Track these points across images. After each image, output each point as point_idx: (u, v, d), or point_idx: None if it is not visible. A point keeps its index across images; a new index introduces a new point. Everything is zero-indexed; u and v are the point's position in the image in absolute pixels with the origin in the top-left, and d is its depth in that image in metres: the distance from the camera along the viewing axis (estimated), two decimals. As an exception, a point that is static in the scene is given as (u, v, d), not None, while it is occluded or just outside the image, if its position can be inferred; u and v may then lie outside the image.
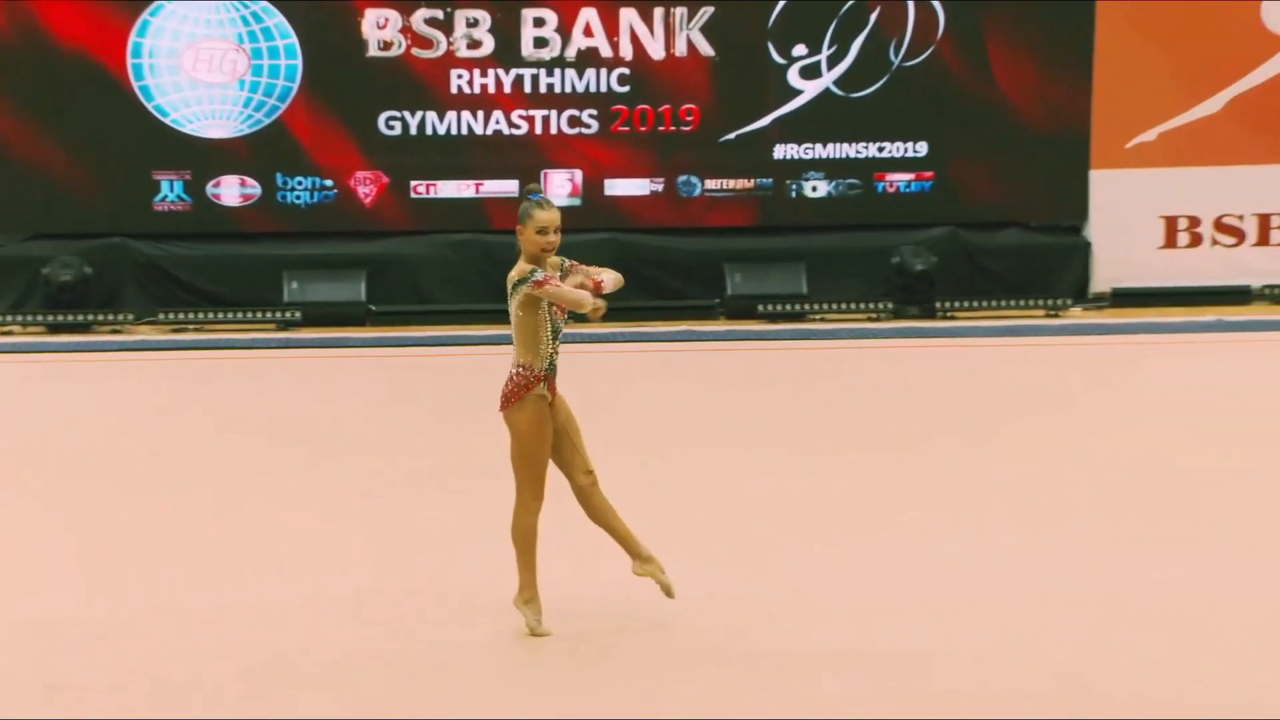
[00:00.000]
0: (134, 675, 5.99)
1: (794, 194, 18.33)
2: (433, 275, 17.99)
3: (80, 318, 17.21)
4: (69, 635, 6.53)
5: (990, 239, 18.37)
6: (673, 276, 18.13)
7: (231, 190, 17.90)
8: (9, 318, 17.24)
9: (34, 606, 6.95)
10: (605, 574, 7.04)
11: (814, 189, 18.32)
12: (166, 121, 17.72)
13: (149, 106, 17.69)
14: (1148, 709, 5.59)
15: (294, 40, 17.66)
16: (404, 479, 9.59)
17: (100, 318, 17.31)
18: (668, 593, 6.46)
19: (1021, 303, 17.79)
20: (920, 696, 5.73)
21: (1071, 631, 6.51)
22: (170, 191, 17.82)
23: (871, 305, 17.75)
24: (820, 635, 6.47)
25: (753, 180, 18.27)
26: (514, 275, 6.42)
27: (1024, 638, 6.40)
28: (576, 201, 18.08)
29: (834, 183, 18.32)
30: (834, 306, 17.71)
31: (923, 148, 18.31)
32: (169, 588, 7.26)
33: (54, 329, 17.18)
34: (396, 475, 9.70)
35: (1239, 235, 18.31)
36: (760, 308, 17.65)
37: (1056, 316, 17.67)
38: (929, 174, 18.34)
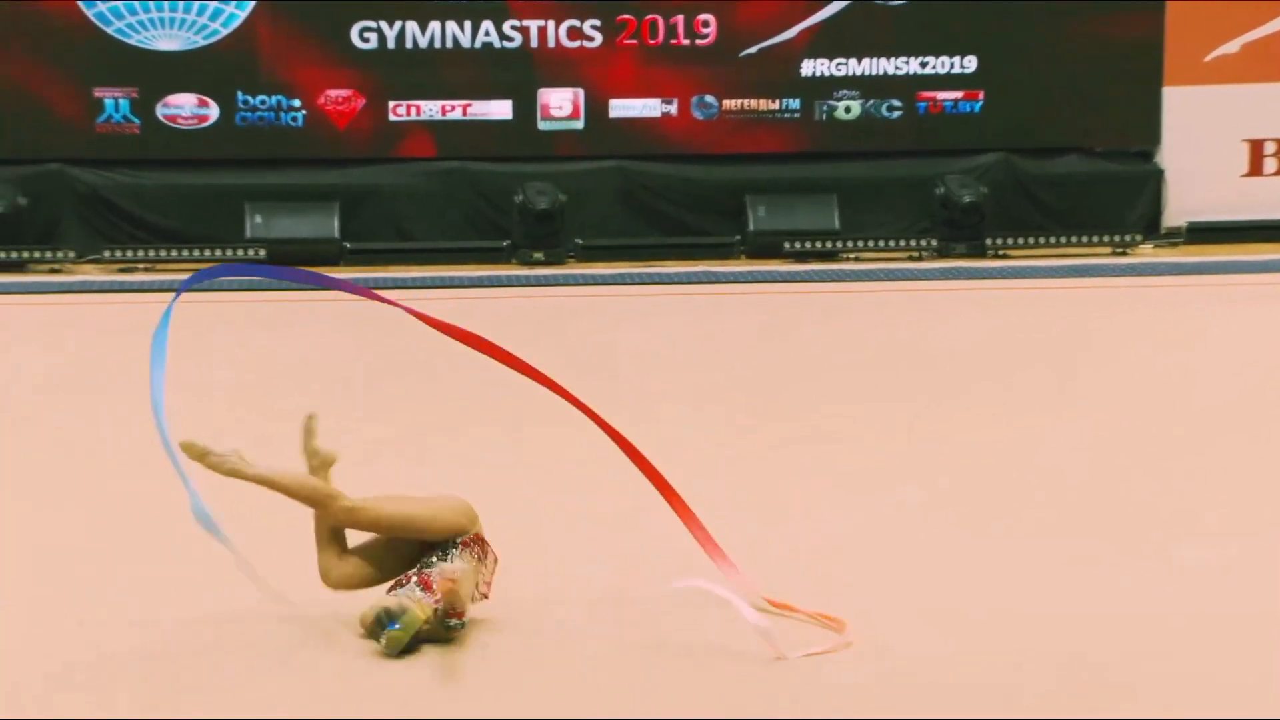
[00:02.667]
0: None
1: (824, 116, 17.97)
2: (414, 209, 17.68)
3: (14, 255, 16.69)
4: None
5: (1048, 167, 18.14)
6: (687, 210, 17.84)
7: (185, 110, 17.37)
8: (-68, 254, 16.69)
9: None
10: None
11: (847, 110, 17.95)
12: (109, 31, 17.21)
13: (89, 14, 17.18)
14: None
15: (256, -62, 17.23)
16: (363, 446, 8.84)
17: (37, 255, 16.82)
18: None
19: (1083, 239, 17.58)
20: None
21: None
22: (115, 111, 17.30)
23: (912, 242, 17.48)
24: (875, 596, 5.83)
25: (777, 100, 17.91)
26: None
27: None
28: (577, 124, 17.78)
29: (870, 103, 17.98)
30: (869, 244, 17.45)
31: (971, 62, 17.99)
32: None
33: (-17, 267, 16.64)
34: (354, 441, 8.97)
35: (1333, 161, 18.32)
36: (786, 245, 17.33)
37: (1124, 255, 17.48)
38: (978, 92, 18.03)
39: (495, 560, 5.88)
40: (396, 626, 5.38)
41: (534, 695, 5.32)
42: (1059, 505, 7.83)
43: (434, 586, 5.50)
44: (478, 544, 5.80)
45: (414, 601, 5.45)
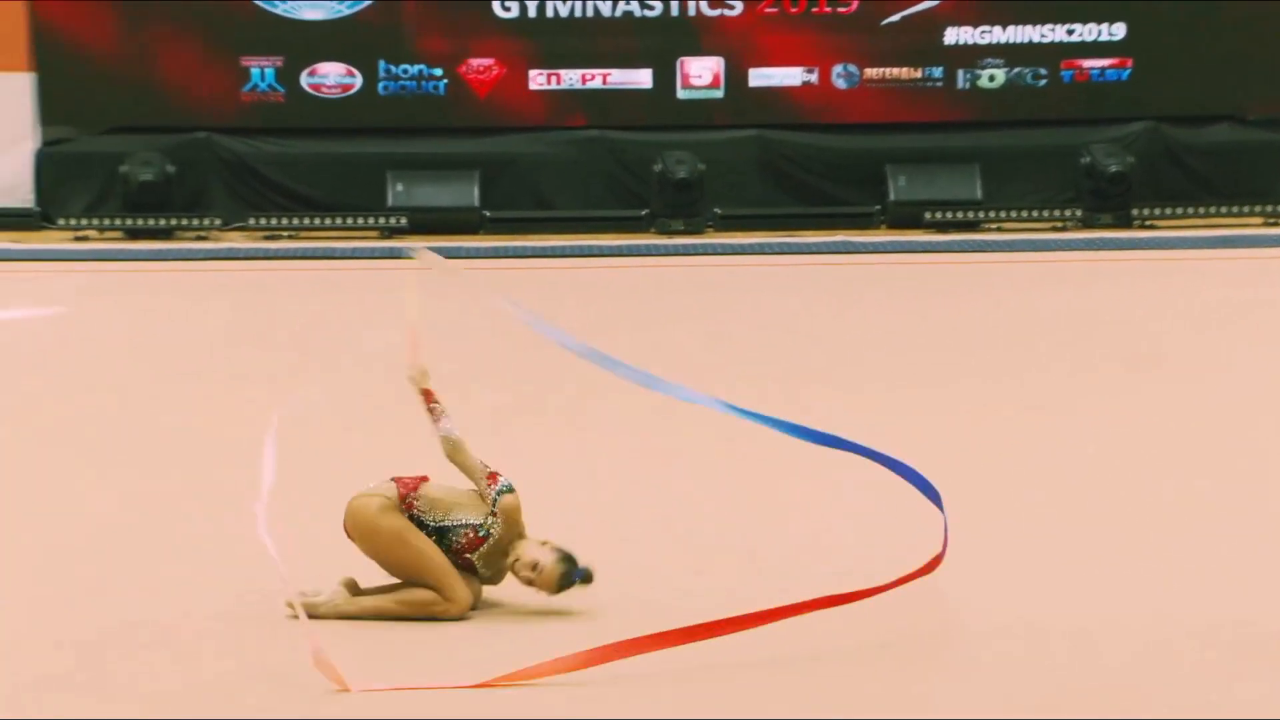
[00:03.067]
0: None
1: (968, 84, 17.70)
2: (554, 178, 17.62)
3: (162, 222, 16.88)
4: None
5: (1198, 135, 17.76)
6: (827, 180, 17.65)
7: (329, 79, 17.45)
8: (84, 221, 16.96)
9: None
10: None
11: (991, 78, 17.69)
12: (256, 1, 17.28)
13: (236, -17, 17.36)
14: None
15: (400, -91, 17.23)
16: (487, 415, 8.88)
17: (184, 222, 16.98)
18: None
19: (1235, 209, 17.22)
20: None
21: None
22: (260, 80, 17.41)
23: (1057, 213, 17.20)
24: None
25: (920, 69, 17.66)
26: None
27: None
28: (717, 94, 17.65)
29: (1014, 70, 17.68)
30: (1012, 214, 17.21)
31: (1119, 29, 17.65)
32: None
33: (133, 234, 16.86)
34: (476, 412, 9.02)
35: None
36: (927, 215, 17.11)
37: (1276, 225, 17.10)
38: (1126, 60, 17.66)
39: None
40: (579, 577, 5.85)
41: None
42: (1214, 476, 7.72)
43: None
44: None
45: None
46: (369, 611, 5.80)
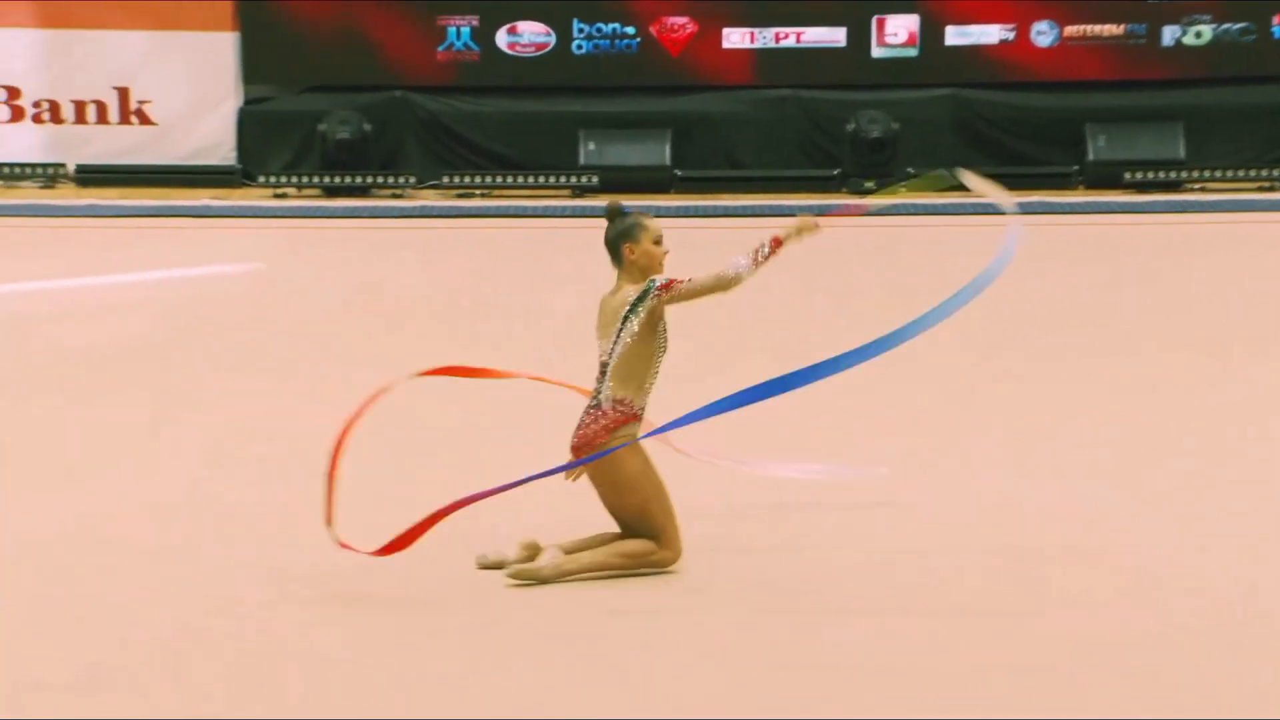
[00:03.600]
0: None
1: (1172, 41, 17.31)
2: (746, 137, 17.56)
3: (359, 180, 17.13)
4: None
5: None
6: (1025, 139, 17.39)
7: (524, 38, 17.53)
8: (284, 179, 17.26)
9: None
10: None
11: (1197, 34, 17.29)
12: (452, -39, 17.46)
13: (434, -57, 17.49)
14: None
15: None
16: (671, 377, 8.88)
17: (380, 180, 17.21)
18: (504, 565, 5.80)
19: None
20: None
21: None
22: (456, 39, 17.57)
23: (1264, 173, 16.74)
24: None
25: (1122, 25, 17.30)
26: (631, 293, 5.77)
27: None
28: (912, 52, 17.51)
29: (1221, 26, 17.22)
30: (1217, 174, 16.78)
31: (1334, -18, 17.14)
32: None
33: (331, 192, 17.15)
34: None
35: None
36: (1128, 175, 16.77)
37: None
38: (1340, 12, 17.15)
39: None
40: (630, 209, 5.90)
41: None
42: None
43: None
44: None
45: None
46: (590, 568, 5.81)
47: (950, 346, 9.05)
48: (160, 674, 4.93)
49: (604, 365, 5.79)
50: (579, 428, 5.79)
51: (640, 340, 5.75)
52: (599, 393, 5.79)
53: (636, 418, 5.78)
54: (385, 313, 11.29)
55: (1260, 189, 16.59)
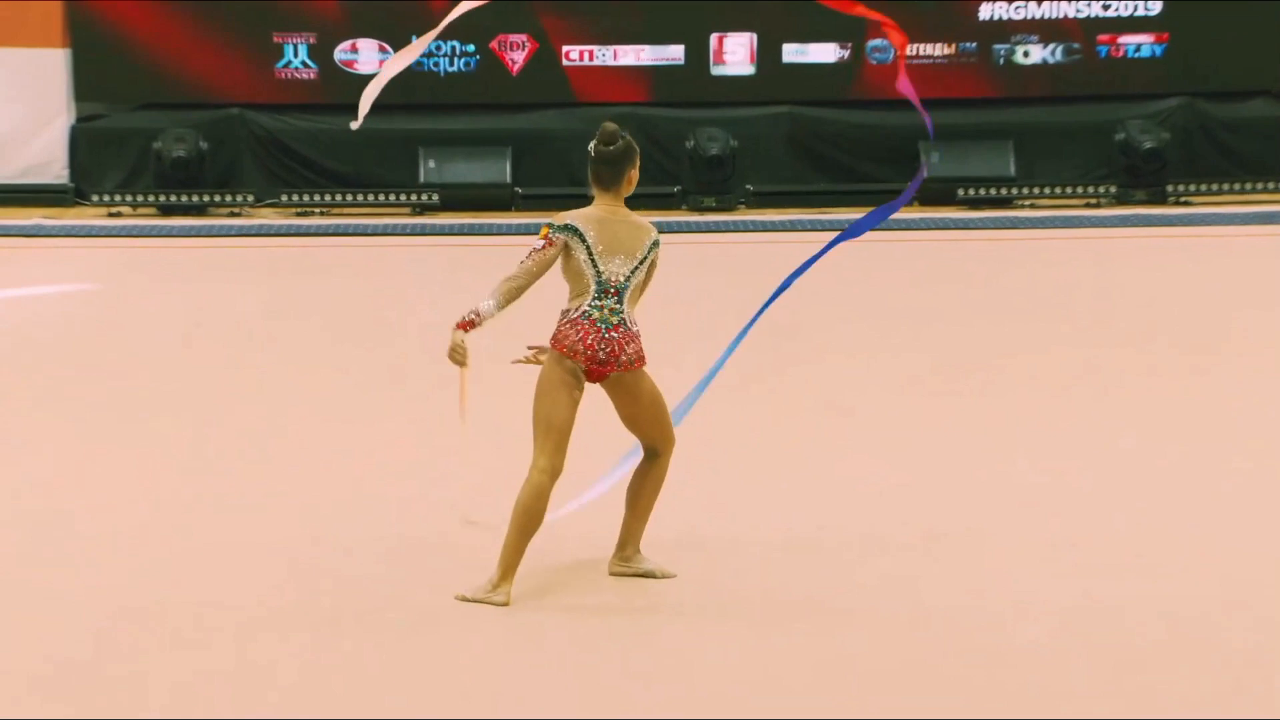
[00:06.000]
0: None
1: (1002, 60, 17.72)
2: (586, 154, 17.46)
3: (195, 199, 17.01)
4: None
5: (1234, 111, 17.72)
6: (860, 157, 17.71)
7: (362, 56, 17.54)
8: (118, 197, 17.10)
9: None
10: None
11: (1025, 54, 17.74)
12: (289, -23, 17.44)
13: (270, -41, 17.43)
14: None
15: (422, -120, 17.27)
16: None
17: (217, 199, 17.11)
18: (655, 575, 6.05)
19: (1271, 186, 17.16)
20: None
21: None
22: (294, 57, 17.54)
23: (1091, 189, 17.18)
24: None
25: (954, 44, 17.69)
26: (645, 226, 6.05)
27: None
28: (749, 70, 17.75)
29: (1049, 47, 17.68)
30: (1047, 191, 17.22)
31: (1155, 5, 17.66)
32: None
33: (166, 211, 17.02)
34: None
35: None
36: (960, 192, 17.16)
37: None
38: (1162, 35, 17.62)
39: None
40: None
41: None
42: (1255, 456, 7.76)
43: None
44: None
45: None
46: (644, 521, 5.99)
47: (783, 356, 9.22)
48: None
49: (618, 288, 5.89)
50: (613, 346, 5.81)
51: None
52: (617, 313, 5.87)
53: None
54: (224, 334, 11.24)
55: (1088, 205, 17.06)
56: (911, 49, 17.65)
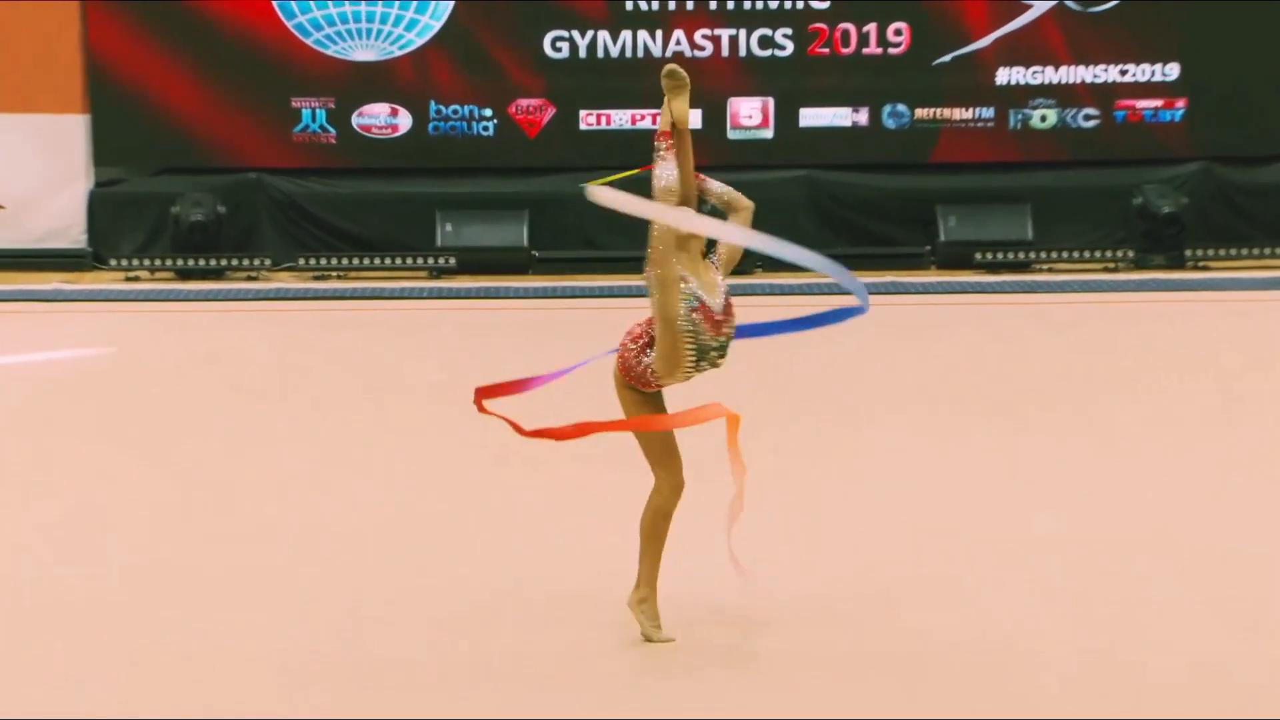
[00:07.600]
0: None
1: (1019, 125, 17.75)
2: (603, 218, 17.51)
3: (213, 263, 17.11)
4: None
5: (1252, 175, 17.71)
6: (877, 220, 17.73)
7: (379, 119, 17.65)
8: (135, 261, 17.21)
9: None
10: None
11: (1043, 118, 17.74)
12: (308, 43, 17.52)
13: (288, 25, 17.51)
14: None
15: (449, -50, 17.43)
16: (566, 456, 9.01)
17: (235, 263, 17.20)
18: (650, 639, 6.08)
19: None
20: None
21: None
22: (311, 121, 17.64)
23: (1109, 254, 17.21)
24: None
25: (971, 109, 17.72)
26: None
27: None
28: (766, 134, 17.79)
29: (1066, 111, 17.71)
30: (1064, 255, 17.24)
31: (1173, 69, 17.65)
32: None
33: (184, 275, 17.12)
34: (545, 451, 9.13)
35: None
36: (978, 256, 17.19)
37: None
38: (1180, 100, 17.65)
39: None
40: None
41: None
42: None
43: None
44: None
45: None
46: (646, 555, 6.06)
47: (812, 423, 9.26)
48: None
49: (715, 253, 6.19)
50: (728, 309, 6.19)
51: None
52: (722, 282, 6.24)
53: None
54: (245, 393, 11.30)
55: (1105, 269, 17.08)
56: (928, 113, 17.72)
